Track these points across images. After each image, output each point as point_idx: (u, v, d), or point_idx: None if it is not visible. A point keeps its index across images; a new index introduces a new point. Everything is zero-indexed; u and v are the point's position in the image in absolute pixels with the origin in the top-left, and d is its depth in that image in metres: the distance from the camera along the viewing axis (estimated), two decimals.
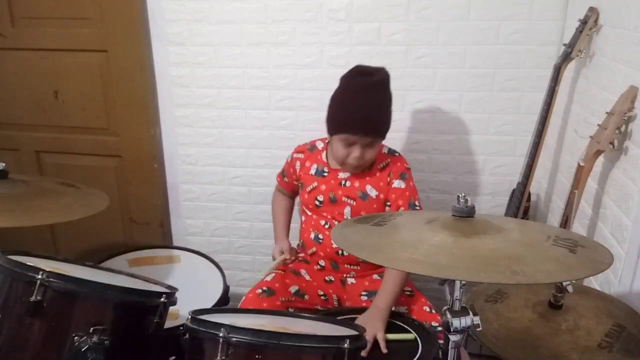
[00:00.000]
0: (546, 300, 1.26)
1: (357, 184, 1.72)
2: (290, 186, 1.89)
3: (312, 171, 1.78)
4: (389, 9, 1.98)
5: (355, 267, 1.77)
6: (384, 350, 1.43)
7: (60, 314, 1.21)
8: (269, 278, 1.74)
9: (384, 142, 1.71)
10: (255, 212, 2.36)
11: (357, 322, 1.49)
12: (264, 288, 1.68)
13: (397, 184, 1.70)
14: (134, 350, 1.31)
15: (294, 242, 1.93)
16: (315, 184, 1.76)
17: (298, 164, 1.82)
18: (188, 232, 2.46)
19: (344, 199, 1.72)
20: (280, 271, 1.77)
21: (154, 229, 2.46)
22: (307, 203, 1.79)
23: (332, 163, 1.76)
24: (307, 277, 1.79)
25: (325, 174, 1.76)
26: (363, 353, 1.38)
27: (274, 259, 1.84)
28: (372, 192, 1.70)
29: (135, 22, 2.16)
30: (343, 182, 1.73)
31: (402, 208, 1.68)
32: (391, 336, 1.48)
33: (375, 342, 1.45)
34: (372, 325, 1.46)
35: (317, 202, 1.76)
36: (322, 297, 1.76)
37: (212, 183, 2.36)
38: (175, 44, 2.17)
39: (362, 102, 1.58)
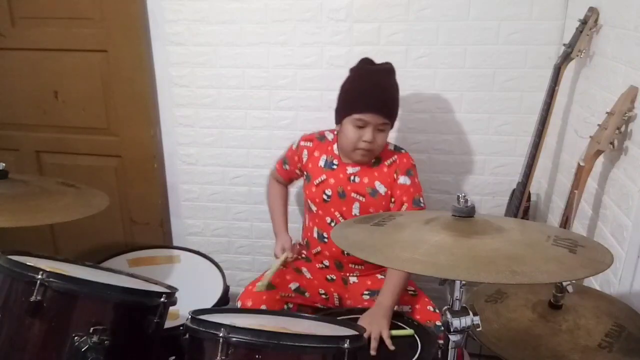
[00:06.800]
0: (546, 300, 1.26)
1: (366, 180, 1.70)
2: (289, 174, 1.86)
3: (321, 162, 1.75)
4: (389, 9, 1.98)
5: (360, 267, 1.77)
6: (391, 348, 1.43)
7: (60, 314, 1.21)
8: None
9: (388, 140, 1.72)
10: (255, 212, 2.36)
11: (361, 320, 1.50)
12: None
13: (403, 180, 1.70)
14: (134, 350, 1.31)
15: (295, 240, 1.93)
16: (324, 176, 1.73)
17: (306, 152, 1.78)
18: (188, 232, 2.46)
19: (353, 194, 1.70)
20: (282, 266, 1.77)
21: (154, 229, 2.46)
22: (313, 197, 1.75)
23: (342, 156, 1.74)
24: (308, 275, 1.78)
25: (335, 167, 1.73)
26: (372, 352, 1.39)
27: (275, 256, 1.82)
28: (381, 189, 1.70)
29: (135, 22, 2.16)
30: (352, 177, 1.71)
31: (406, 204, 1.68)
32: (394, 332, 1.48)
33: (381, 340, 1.45)
34: (378, 323, 1.46)
35: (324, 197, 1.73)
36: (323, 296, 1.76)
37: (212, 183, 2.36)
38: (175, 44, 2.17)
39: (376, 83, 1.63)
